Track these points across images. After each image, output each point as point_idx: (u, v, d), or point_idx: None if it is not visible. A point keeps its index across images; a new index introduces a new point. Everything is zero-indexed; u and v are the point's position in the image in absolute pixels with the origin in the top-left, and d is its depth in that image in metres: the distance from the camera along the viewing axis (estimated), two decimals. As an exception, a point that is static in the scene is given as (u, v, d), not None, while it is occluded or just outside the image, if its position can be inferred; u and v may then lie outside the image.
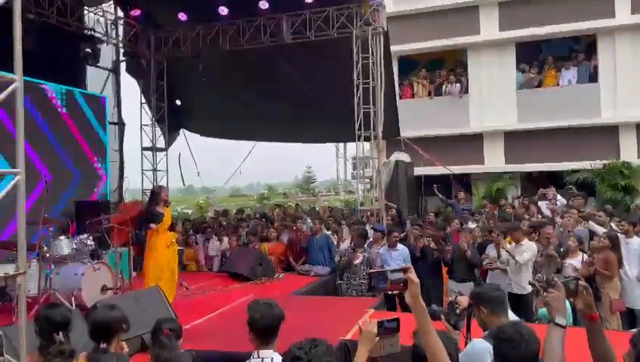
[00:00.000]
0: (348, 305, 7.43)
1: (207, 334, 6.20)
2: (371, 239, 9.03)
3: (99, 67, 13.28)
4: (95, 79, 13.17)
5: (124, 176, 14.34)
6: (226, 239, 11.07)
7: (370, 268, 7.98)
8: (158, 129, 14.30)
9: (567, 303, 2.54)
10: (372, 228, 9.63)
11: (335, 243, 10.16)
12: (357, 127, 11.30)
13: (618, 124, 16.22)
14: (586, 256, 7.43)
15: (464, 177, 17.54)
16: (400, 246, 8.39)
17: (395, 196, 12.93)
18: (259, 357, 3.04)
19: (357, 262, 8.15)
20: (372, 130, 11.40)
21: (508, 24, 17.17)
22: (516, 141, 17.17)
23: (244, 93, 13.88)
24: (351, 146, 21.19)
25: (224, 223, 13.00)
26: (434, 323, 2.60)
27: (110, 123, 12.87)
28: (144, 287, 7.10)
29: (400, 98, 16.78)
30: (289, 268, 10.31)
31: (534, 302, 7.14)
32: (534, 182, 16.10)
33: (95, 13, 12.43)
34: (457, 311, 3.38)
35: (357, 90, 11.24)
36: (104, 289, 7.57)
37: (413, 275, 2.43)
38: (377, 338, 2.51)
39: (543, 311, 5.86)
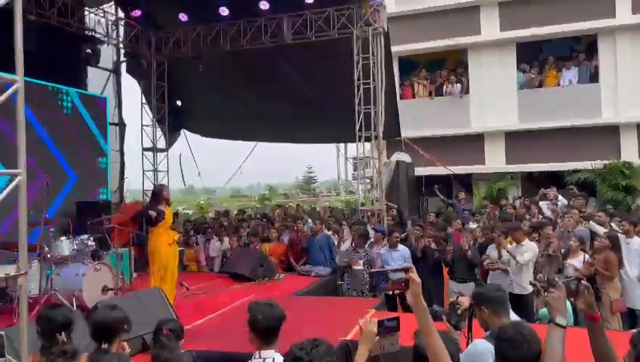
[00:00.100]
0: (349, 305, 7.43)
1: (208, 334, 6.20)
2: (372, 239, 9.03)
3: (99, 68, 13.29)
4: (96, 80, 13.18)
5: (125, 176, 14.37)
6: (226, 239, 11.07)
7: (371, 268, 8.00)
8: (158, 129, 14.30)
9: (568, 303, 2.55)
10: (372, 228, 9.63)
11: (336, 243, 10.15)
12: (357, 127, 11.30)
13: (619, 124, 16.23)
14: (587, 256, 7.43)
15: (465, 177, 17.54)
16: (401, 246, 8.40)
17: (395, 196, 12.94)
18: (260, 357, 3.04)
19: (357, 268, 8.15)
20: (373, 131, 11.40)
21: (509, 24, 17.17)
22: (517, 141, 17.17)
23: (245, 93, 13.88)
24: (351, 147, 21.16)
25: (225, 224, 13.00)
26: (435, 323, 2.59)
27: (111, 124, 12.86)
28: (149, 287, 7.10)
29: (400, 98, 16.79)
30: (290, 269, 10.31)
31: (535, 302, 7.15)
32: (535, 183, 16.10)
33: (96, 14, 12.43)
34: (459, 312, 3.38)
35: (357, 91, 11.24)
36: (105, 289, 7.58)
37: (414, 275, 2.44)
38: (377, 337, 2.52)
39: (543, 311, 5.87)
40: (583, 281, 2.52)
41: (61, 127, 10.55)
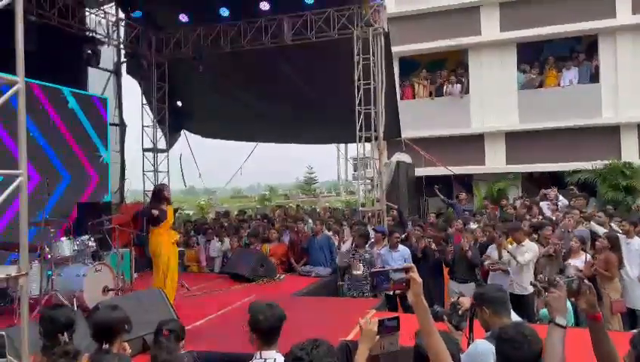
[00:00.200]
0: (349, 305, 7.43)
1: (209, 335, 6.21)
2: (372, 240, 9.03)
3: (100, 69, 13.31)
4: (96, 81, 13.19)
5: (126, 177, 14.38)
6: (227, 240, 11.07)
7: (372, 268, 7.99)
8: (159, 130, 14.31)
9: (569, 303, 2.55)
10: (373, 229, 9.63)
11: (336, 244, 10.15)
12: (358, 127, 11.30)
13: (619, 124, 16.23)
14: (589, 256, 7.43)
15: (465, 178, 17.55)
16: (401, 247, 8.40)
17: (396, 197, 12.94)
18: (261, 357, 3.04)
19: (357, 272, 8.14)
20: (373, 131, 11.40)
21: (509, 24, 17.18)
22: (517, 141, 17.17)
23: (245, 94, 13.89)
24: (352, 147, 21.19)
25: (225, 224, 13.00)
26: (436, 323, 2.60)
27: (111, 124, 12.87)
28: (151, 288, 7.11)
29: (401, 99, 16.79)
30: (290, 269, 10.31)
31: (536, 302, 7.15)
32: (535, 183, 16.11)
33: (96, 15, 12.45)
34: (460, 312, 3.38)
35: (358, 91, 11.24)
36: (106, 290, 7.58)
37: (416, 274, 2.43)
38: (378, 336, 2.53)
39: (544, 311, 5.87)
40: (585, 281, 2.52)
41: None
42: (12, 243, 6.98)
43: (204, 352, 5.33)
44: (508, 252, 7.37)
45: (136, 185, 14.81)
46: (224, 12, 12.21)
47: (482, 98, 17.65)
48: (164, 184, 9.39)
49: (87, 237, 8.16)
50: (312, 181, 51.04)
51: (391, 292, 7.87)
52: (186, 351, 3.92)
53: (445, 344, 2.51)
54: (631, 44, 16.27)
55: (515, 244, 7.49)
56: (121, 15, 13.19)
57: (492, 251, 7.75)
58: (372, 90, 11.27)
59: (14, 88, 4.00)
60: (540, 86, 17.52)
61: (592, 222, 8.76)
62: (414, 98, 18.65)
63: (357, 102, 11.24)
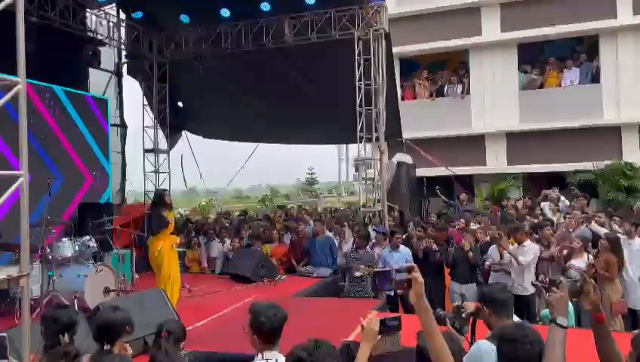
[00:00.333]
0: (350, 306, 7.43)
1: (210, 336, 6.21)
2: (373, 240, 9.03)
3: (101, 69, 13.33)
4: (97, 81, 13.20)
5: (127, 178, 14.39)
6: (228, 241, 11.07)
7: (374, 269, 8.00)
8: (160, 131, 14.31)
9: (570, 304, 2.54)
10: (374, 229, 9.63)
11: (337, 244, 10.15)
12: (359, 128, 11.30)
13: (620, 124, 16.21)
14: (591, 256, 7.42)
15: (466, 178, 17.53)
16: (402, 247, 8.39)
17: (397, 197, 12.93)
18: (263, 358, 3.03)
19: (358, 274, 8.15)
20: (374, 132, 11.40)
21: (510, 25, 17.17)
22: (518, 142, 17.16)
23: (246, 94, 13.89)
24: (353, 148, 21.20)
25: (227, 225, 13.00)
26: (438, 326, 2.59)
27: (112, 125, 12.87)
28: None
29: (402, 99, 16.78)
30: (291, 270, 10.30)
31: (537, 302, 7.15)
32: (537, 183, 16.08)
33: (97, 16, 12.46)
34: (463, 315, 3.37)
35: (359, 92, 11.24)
36: (107, 291, 7.58)
37: (418, 274, 2.43)
38: (379, 336, 2.53)
39: (545, 312, 5.86)
40: (590, 281, 2.51)
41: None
42: (12, 243, 6.99)
43: (205, 353, 5.34)
44: (509, 253, 7.37)
45: (137, 186, 14.82)
46: (225, 13, 12.22)
47: (483, 98, 17.64)
48: (165, 189, 9.38)
49: (88, 237, 8.17)
50: (312, 182, 51.01)
51: (392, 293, 7.88)
52: (186, 351, 3.92)
53: (447, 344, 2.50)
54: (632, 45, 16.26)
55: (516, 245, 7.49)
56: (122, 16, 13.20)
57: (493, 252, 7.75)
58: (373, 91, 11.28)
59: (15, 89, 4.00)
60: (541, 86, 17.50)
61: (593, 223, 8.75)
62: (415, 99, 18.64)
63: (358, 102, 11.24)
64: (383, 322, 2.56)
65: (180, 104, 15.01)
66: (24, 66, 4.05)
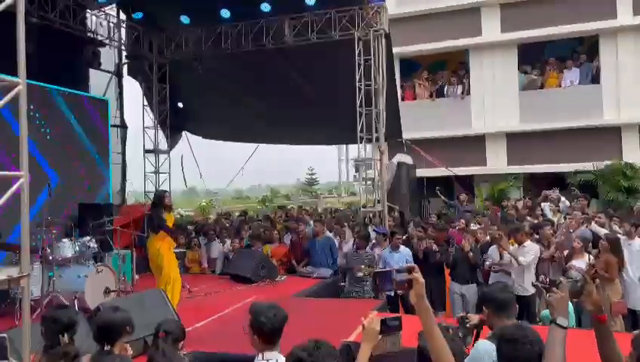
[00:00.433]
0: (350, 307, 7.42)
1: (210, 336, 6.21)
2: (374, 241, 9.03)
3: (101, 70, 13.33)
4: (98, 82, 13.20)
5: (127, 178, 14.40)
6: (228, 241, 11.07)
7: (375, 269, 8.00)
8: (160, 131, 14.32)
9: (570, 305, 2.54)
10: (374, 230, 9.63)
11: (337, 245, 10.15)
12: (359, 128, 11.31)
13: (620, 125, 16.21)
14: (592, 257, 7.42)
15: (466, 179, 17.53)
16: (402, 248, 8.39)
17: (397, 198, 12.93)
18: (263, 359, 3.03)
19: (359, 274, 8.17)
20: (374, 132, 11.40)
21: (510, 25, 17.17)
22: (518, 142, 17.16)
23: (247, 95, 13.90)
24: (353, 148, 21.19)
25: (227, 225, 13.00)
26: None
27: (112, 125, 12.89)
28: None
29: (402, 100, 16.79)
30: (291, 270, 10.30)
31: (537, 303, 7.14)
32: (537, 184, 16.09)
33: (97, 17, 12.46)
34: (467, 325, 3.37)
35: (359, 92, 11.24)
36: (107, 291, 7.58)
37: (418, 275, 2.43)
38: (380, 336, 2.53)
39: (545, 312, 5.86)
40: (591, 281, 2.50)
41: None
42: (13, 244, 6.99)
43: (206, 353, 5.35)
44: (509, 253, 7.36)
45: (138, 186, 14.82)
46: (225, 13, 12.23)
47: (483, 99, 17.64)
48: (165, 191, 9.39)
49: (88, 238, 8.17)
50: (313, 182, 51.06)
51: (392, 293, 7.88)
52: (186, 352, 3.92)
53: (448, 344, 2.50)
54: (632, 45, 16.26)
55: (516, 245, 7.49)
56: (123, 16, 13.21)
57: (493, 252, 7.74)
58: (373, 91, 11.28)
59: (16, 90, 4.00)
60: (541, 87, 17.51)
61: (593, 224, 8.74)
62: (415, 99, 18.64)
63: (358, 103, 11.24)
64: (383, 322, 2.56)
65: (180, 105, 15.01)
66: (24, 67, 4.05)
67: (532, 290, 7.09)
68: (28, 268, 4.17)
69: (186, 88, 14.57)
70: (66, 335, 3.54)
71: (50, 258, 7.41)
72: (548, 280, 6.81)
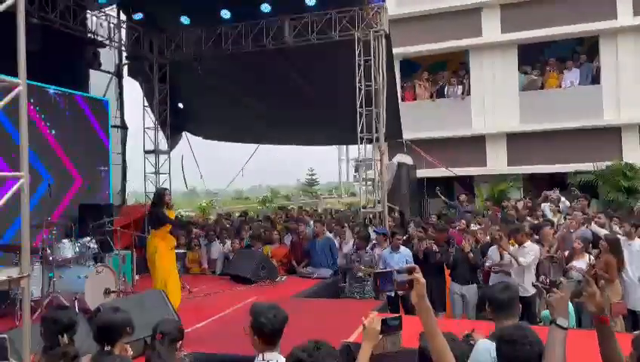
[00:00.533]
0: (350, 307, 7.42)
1: (210, 337, 6.20)
2: (374, 241, 9.02)
3: (102, 71, 13.33)
4: (98, 83, 13.21)
5: (127, 179, 14.40)
6: (228, 242, 11.07)
7: (375, 270, 7.99)
8: (160, 132, 14.32)
9: (570, 305, 2.54)
10: (374, 230, 9.62)
11: (338, 245, 10.15)
12: (359, 129, 11.31)
13: (621, 125, 16.22)
14: (592, 257, 7.42)
15: (467, 179, 17.54)
16: (402, 248, 8.38)
17: (397, 198, 12.93)
18: (263, 359, 3.03)
19: (360, 274, 8.17)
20: (374, 133, 11.41)
21: (510, 26, 17.18)
22: (518, 143, 17.17)
23: (247, 95, 13.90)
24: (353, 149, 21.21)
25: (227, 226, 13.00)
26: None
27: (113, 126, 12.89)
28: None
29: (402, 100, 16.80)
30: (291, 271, 10.30)
31: (537, 303, 7.14)
32: (537, 184, 16.10)
33: (98, 17, 12.47)
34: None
35: (359, 93, 11.25)
36: (107, 292, 7.58)
37: (419, 275, 2.42)
38: (381, 335, 2.53)
39: (545, 313, 5.85)
40: (594, 283, 2.49)
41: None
42: (13, 244, 6.99)
43: (206, 354, 5.35)
44: (509, 253, 7.36)
45: (138, 187, 14.83)
46: (225, 14, 12.23)
47: (483, 99, 17.65)
48: (165, 188, 9.39)
49: (88, 239, 8.17)
50: (313, 183, 51.09)
51: (393, 294, 7.87)
52: (185, 352, 3.92)
53: (449, 345, 2.50)
54: (632, 45, 16.27)
55: (516, 246, 7.48)
56: (123, 17, 13.21)
57: (493, 252, 7.74)
58: (373, 92, 11.28)
59: (16, 91, 4.00)
60: (542, 87, 17.52)
61: (593, 224, 8.74)
62: (415, 99, 18.66)
63: (358, 103, 11.25)
64: (384, 322, 2.57)
65: (181, 105, 15.01)
66: (24, 67, 4.05)
67: (532, 291, 7.08)
68: (28, 269, 4.17)
69: (186, 89, 14.58)
70: (65, 335, 3.54)
71: (51, 258, 7.41)
72: (548, 280, 6.81)
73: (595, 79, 16.84)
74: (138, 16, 12.87)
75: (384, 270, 7.75)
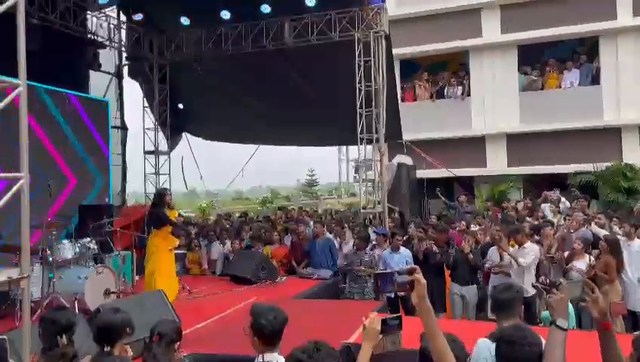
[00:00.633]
0: (350, 308, 7.42)
1: (210, 337, 6.20)
2: (374, 242, 9.02)
3: (102, 71, 13.34)
4: (98, 83, 13.21)
5: (127, 179, 14.40)
6: (228, 242, 11.07)
7: (376, 271, 7.99)
8: (160, 132, 14.33)
9: (570, 306, 2.54)
10: (374, 231, 9.62)
11: (338, 246, 10.15)
12: (359, 130, 11.31)
13: (621, 125, 16.23)
14: (592, 258, 7.41)
15: (467, 180, 17.54)
16: (402, 249, 8.38)
17: (397, 199, 12.93)
18: (263, 360, 3.03)
19: (360, 274, 8.18)
20: (374, 133, 11.41)
21: (510, 26, 17.20)
22: (518, 143, 17.18)
23: (247, 96, 13.91)
24: (353, 149, 21.21)
25: (227, 226, 13.00)
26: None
27: (113, 127, 12.89)
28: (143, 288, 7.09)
29: (402, 101, 16.81)
30: (291, 272, 10.30)
31: (537, 304, 7.13)
32: (537, 185, 16.09)
33: (98, 18, 12.47)
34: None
35: (359, 93, 11.25)
36: (107, 292, 7.58)
37: (420, 276, 2.42)
38: (381, 335, 2.53)
39: (545, 313, 5.85)
40: (596, 290, 2.47)
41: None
42: (14, 245, 6.98)
43: (206, 355, 5.34)
44: (509, 254, 7.36)
45: (138, 188, 14.83)
46: (225, 15, 12.24)
47: (483, 100, 17.66)
48: (166, 188, 9.39)
49: (88, 239, 8.16)
50: (313, 183, 51.07)
51: (393, 295, 7.86)
52: (184, 353, 3.91)
53: (450, 346, 2.50)
54: (632, 46, 16.28)
55: (516, 246, 7.48)
56: (123, 18, 13.22)
57: (493, 253, 7.74)
58: (373, 92, 11.28)
59: (16, 91, 4.01)
60: (542, 88, 17.53)
61: (592, 225, 8.73)
62: (415, 100, 18.68)
63: (358, 104, 11.25)
64: (384, 322, 2.57)
65: (181, 106, 15.02)
66: (24, 68, 4.06)
67: (532, 291, 7.07)
68: (28, 270, 4.17)
69: (186, 89, 14.58)
70: (64, 336, 3.54)
71: (51, 259, 7.41)
72: (548, 281, 6.80)
73: (595, 80, 16.85)
74: (138, 17, 12.87)
75: (385, 271, 7.73)
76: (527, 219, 10.25)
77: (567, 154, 16.06)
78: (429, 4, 17.92)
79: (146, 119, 14.19)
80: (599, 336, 2.46)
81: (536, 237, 8.23)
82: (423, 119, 17.36)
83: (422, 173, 15.55)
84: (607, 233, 8.16)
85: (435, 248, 8.26)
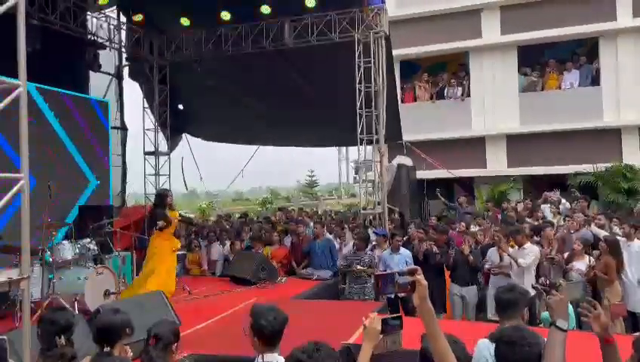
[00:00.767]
0: (350, 308, 7.42)
1: (210, 338, 6.20)
2: (374, 243, 9.02)
3: (102, 72, 13.34)
4: (98, 84, 13.22)
5: (127, 180, 14.40)
6: (228, 243, 11.07)
7: (376, 272, 7.99)
8: (160, 133, 14.32)
9: (570, 307, 2.54)
10: (374, 232, 9.62)
11: (338, 246, 10.15)
12: (359, 130, 11.31)
13: (620, 126, 16.23)
14: (592, 259, 7.41)
15: (467, 181, 17.54)
16: (402, 249, 8.38)
17: (397, 200, 12.94)
18: (263, 361, 3.04)
19: (360, 275, 8.18)
20: (374, 134, 11.41)
21: (510, 27, 17.20)
22: (518, 144, 17.18)
23: (247, 97, 13.91)
24: (353, 150, 21.21)
25: (227, 227, 13.00)
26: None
27: (113, 127, 12.89)
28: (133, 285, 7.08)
29: (402, 102, 16.82)
30: (291, 272, 10.30)
31: (537, 305, 7.13)
32: (537, 185, 16.10)
33: (98, 19, 12.47)
34: None
35: (359, 94, 11.25)
36: (107, 293, 7.58)
37: (421, 277, 2.41)
38: (381, 335, 2.53)
39: (545, 314, 5.85)
40: (597, 306, 2.47)
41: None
42: (14, 246, 6.98)
43: (206, 355, 5.34)
44: (508, 255, 7.36)
45: (138, 188, 14.83)
46: (225, 15, 12.23)
47: (483, 101, 17.66)
48: (168, 189, 9.38)
49: (88, 240, 8.16)
50: (313, 184, 51.07)
51: (393, 295, 7.86)
52: (185, 354, 3.91)
53: (451, 347, 2.50)
54: (632, 47, 16.29)
55: (516, 247, 7.48)
56: (123, 19, 13.22)
57: (493, 254, 7.74)
58: (373, 93, 11.28)
59: (16, 92, 4.01)
60: (542, 89, 17.54)
61: (592, 225, 8.74)
62: (415, 101, 18.68)
63: (358, 105, 11.25)
64: (384, 321, 2.57)
65: (181, 106, 15.02)
66: (24, 69, 4.06)
67: (532, 292, 7.08)
68: (28, 271, 4.17)
69: (186, 90, 14.58)
70: (62, 337, 3.54)
71: (51, 260, 7.41)
72: (548, 282, 6.81)
73: (595, 80, 16.85)
74: (138, 17, 12.87)
75: (385, 272, 7.75)
76: (527, 219, 10.25)
77: (567, 155, 16.06)
78: (429, 4, 17.92)
79: (146, 120, 14.19)
80: (602, 352, 2.46)
81: (537, 238, 8.23)
82: (423, 120, 17.36)
83: (422, 174, 15.55)
84: (607, 234, 8.16)
85: (435, 249, 8.27)
